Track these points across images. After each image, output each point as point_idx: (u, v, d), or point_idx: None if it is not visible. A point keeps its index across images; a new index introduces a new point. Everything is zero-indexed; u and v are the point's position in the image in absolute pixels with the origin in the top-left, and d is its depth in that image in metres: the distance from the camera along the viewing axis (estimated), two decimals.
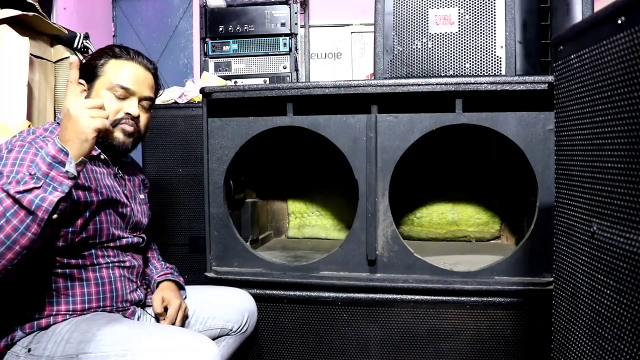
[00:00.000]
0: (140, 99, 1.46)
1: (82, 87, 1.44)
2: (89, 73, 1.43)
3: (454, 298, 1.69)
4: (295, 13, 3.01)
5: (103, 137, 1.40)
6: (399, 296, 1.72)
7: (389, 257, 1.74)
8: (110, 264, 1.41)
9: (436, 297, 1.70)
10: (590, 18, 0.93)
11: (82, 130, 1.14)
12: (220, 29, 3.00)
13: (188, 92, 2.28)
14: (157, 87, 1.56)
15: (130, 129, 1.44)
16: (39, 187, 1.07)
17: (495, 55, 1.84)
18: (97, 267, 1.38)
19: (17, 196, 1.05)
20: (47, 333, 1.28)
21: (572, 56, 1.01)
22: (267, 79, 2.98)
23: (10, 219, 1.06)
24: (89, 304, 1.36)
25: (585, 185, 0.96)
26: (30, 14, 1.89)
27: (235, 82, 2.94)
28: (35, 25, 1.97)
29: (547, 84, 1.58)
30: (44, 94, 2.04)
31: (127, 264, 1.46)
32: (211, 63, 3.02)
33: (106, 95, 1.41)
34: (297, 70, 3.07)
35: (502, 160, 2.12)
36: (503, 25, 1.83)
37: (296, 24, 3.02)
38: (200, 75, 2.75)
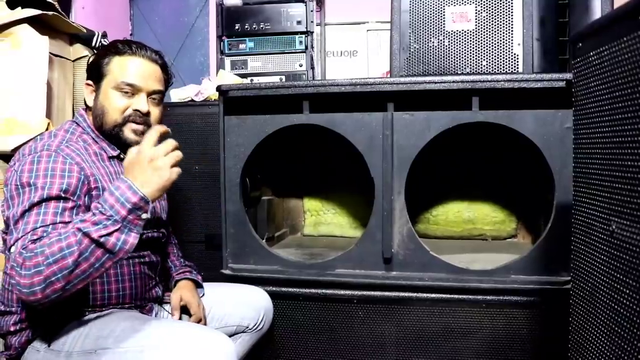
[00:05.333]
0: (149, 94, 1.44)
1: (90, 89, 1.45)
2: (95, 73, 1.43)
3: (470, 296, 1.68)
4: (311, 11, 3.01)
5: (117, 135, 1.42)
6: (414, 294, 1.72)
7: (405, 255, 1.73)
8: (131, 260, 1.42)
9: (452, 296, 1.69)
10: (610, 15, 0.92)
11: (164, 184, 1.16)
12: (237, 27, 3.01)
13: (204, 90, 2.29)
14: (167, 78, 1.52)
15: (139, 127, 1.42)
16: (119, 230, 1.10)
17: (512, 52, 1.83)
18: (117, 263, 1.37)
19: (101, 240, 1.08)
20: (67, 328, 1.30)
21: (591, 53, 1.00)
22: (283, 77, 2.98)
23: (88, 258, 1.08)
24: (108, 301, 1.37)
25: (604, 183, 0.95)
26: (50, 13, 1.91)
27: (252, 80, 2.94)
28: (54, 24, 1.99)
29: (564, 82, 1.57)
30: (63, 92, 2.07)
31: (147, 259, 1.47)
32: (227, 61, 3.03)
33: (113, 94, 1.40)
34: (313, 68, 3.06)
35: (519, 158, 2.11)
36: (520, 22, 1.82)
37: (312, 22, 3.01)
38: (217, 73, 2.76)
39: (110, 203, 1.10)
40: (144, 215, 1.14)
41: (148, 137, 1.19)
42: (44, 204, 1.19)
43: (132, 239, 1.12)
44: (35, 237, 1.13)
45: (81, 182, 1.27)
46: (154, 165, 1.15)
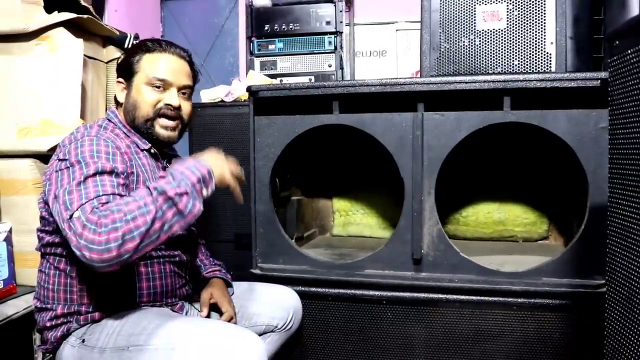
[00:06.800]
0: (179, 88, 1.48)
1: (122, 86, 1.48)
2: (126, 71, 1.47)
3: (501, 299, 1.66)
4: (341, 11, 3.01)
5: (148, 130, 1.45)
6: (444, 296, 1.70)
7: (435, 256, 1.72)
8: (162, 259, 1.44)
9: (482, 298, 1.68)
10: None
11: (225, 179, 1.31)
12: (266, 28, 3.03)
13: (234, 90, 2.31)
14: (195, 74, 1.57)
15: (169, 123, 1.46)
16: (188, 194, 1.17)
17: (545, 51, 1.80)
18: (148, 262, 1.40)
19: (176, 198, 1.15)
20: (100, 325, 1.32)
21: (629, 51, 0.98)
22: (312, 77, 2.99)
23: (162, 217, 1.14)
24: (140, 299, 1.40)
25: None
26: (85, 16, 1.95)
27: (281, 80, 2.96)
28: (88, 27, 2.03)
29: (599, 81, 1.54)
30: (97, 93, 2.11)
31: (177, 259, 1.49)
32: (257, 62, 3.05)
33: (145, 89, 1.44)
34: (342, 68, 3.07)
35: (551, 158, 2.07)
36: (553, 20, 1.79)
37: (341, 22, 3.01)
38: (246, 73, 2.78)
39: (180, 170, 1.20)
40: (205, 192, 1.23)
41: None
42: (98, 177, 1.22)
43: (199, 205, 1.20)
44: (102, 201, 1.16)
45: (125, 164, 1.32)
46: (222, 159, 1.32)
